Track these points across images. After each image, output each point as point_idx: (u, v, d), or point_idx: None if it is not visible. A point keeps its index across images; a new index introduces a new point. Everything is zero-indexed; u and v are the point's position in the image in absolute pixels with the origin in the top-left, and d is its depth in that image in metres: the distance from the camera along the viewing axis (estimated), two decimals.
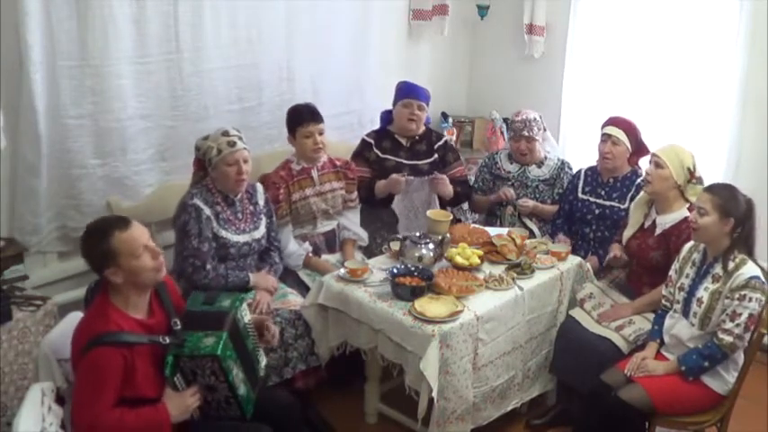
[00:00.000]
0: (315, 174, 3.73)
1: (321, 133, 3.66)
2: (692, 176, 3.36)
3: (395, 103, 4.10)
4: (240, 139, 3.27)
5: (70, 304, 3.25)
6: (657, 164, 3.36)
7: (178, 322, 2.51)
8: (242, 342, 2.59)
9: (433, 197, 3.98)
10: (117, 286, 2.42)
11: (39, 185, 3.28)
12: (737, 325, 2.89)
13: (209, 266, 3.20)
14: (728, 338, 2.90)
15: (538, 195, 4.12)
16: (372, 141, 4.10)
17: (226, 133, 3.26)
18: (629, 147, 3.78)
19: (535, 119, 4.07)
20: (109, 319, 2.37)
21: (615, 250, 3.59)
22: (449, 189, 3.98)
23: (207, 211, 3.23)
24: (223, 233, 3.27)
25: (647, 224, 3.49)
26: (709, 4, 4.30)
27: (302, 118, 3.64)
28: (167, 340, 2.43)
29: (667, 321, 3.15)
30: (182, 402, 2.42)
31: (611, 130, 3.78)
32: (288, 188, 3.65)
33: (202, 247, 3.18)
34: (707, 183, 3.30)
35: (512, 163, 4.18)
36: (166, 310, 2.55)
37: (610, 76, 4.75)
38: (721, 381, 3.01)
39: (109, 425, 2.30)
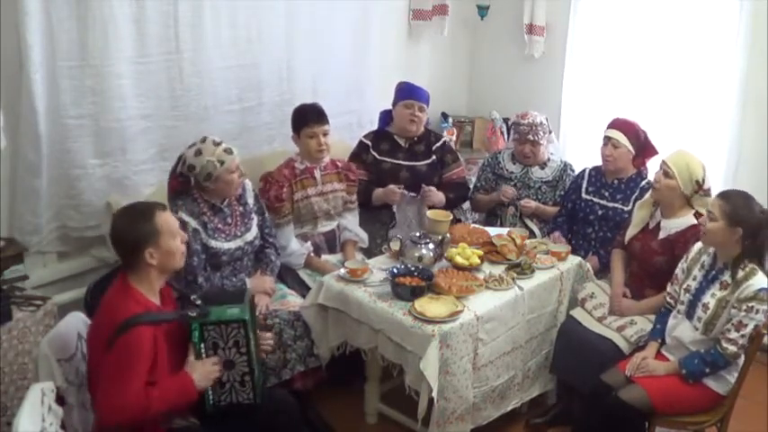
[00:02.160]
0: (318, 174, 3.73)
1: (326, 134, 3.66)
2: (699, 188, 3.32)
3: (395, 104, 4.09)
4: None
5: (70, 304, 3.25)
6: (666, 173, 3.32)
7: (197, 297, 2.57)
8: (254, 328, 2.65)
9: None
10: (140, 272, 2.48)
11: (39, 185, 3.28)
12: (742, 336, 2.88)
13: (200, 279, 3.16)
14: (732, 348, 2.89)
15: (540, 197, 4.11)
16: (370, 143, 4.09)
17: (215, 142, 3.18)
18: (631, 149, 3.75)
19: (542, 123, 4.06)
20: (138, 302, 2.46)
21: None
22: (438, 198, 3.97)
23: (193, 223, 3.16)
24: (213, 243, 3.22)
25: (651, 225, 3.47)
26: (709, 4, 4.30)
27: (307, 118, 3.64)
28: (194, 313, 2.50)
29: (670, 321, 3.14)
30: (204, 369, 2.48)
31: (611, 132, 3.76)
32: (291, 187, 3.65)
33: (192, 262, 3.11)
34: (731, 189, 3.24)
35: (515, 163, 4.18)
36: (177, 298, 2.63)
37: (610, 76, 4.75)
38: (721, 381, 3.01)
39: (138, 403, 2.33)
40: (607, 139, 3.78)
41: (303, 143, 3.67)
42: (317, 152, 3.66)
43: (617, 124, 3.79)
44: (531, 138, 4.04)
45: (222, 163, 3.15)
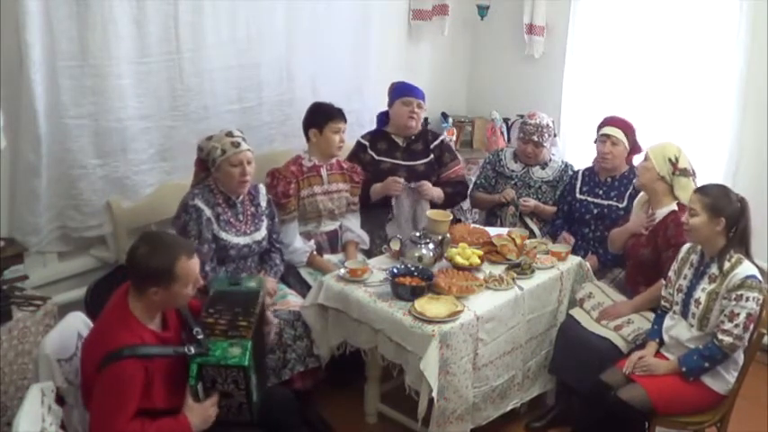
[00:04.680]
0: (324, 172, 3.75)
1: (344, 132, 3.73)
2: (675, 168, 3.37)
3: (391, 103, 4.08)
4: (244, 140, 3.28)
5: (70, 304, 3.25)
6: (645, 157, 3.44)
7: (200, 332, 2.51)
8: (260, 336, 2.61)
9: (423, 202, 3.95)
10: (142, 298, 2.42)
11: (39, 185, 3.28)
12: (736, 325, 2.89)
13: (207, 268, 3.19)
14: (728, 339, 2.90)
15: (540, 196, 4.12)
16: (367, 143, 4.08)
17: (230, 134, 3.27)
18: (628, 146, 3.82)
19: (548, 125, 4.07)
20: (132, 331, 2.39)
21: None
22: (434, 193, 3.96)
23: (207, 212, 3.23)
24: (223, 235, 3.26)
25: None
26: (709, 4, 4.30)
27: (333, 113, 3.69)
28: (192, 350, 2.44)
29: (667, 322, 3.15)
30: (203, 412, 2.44)
31: (610, 130, 3.79)
32: (298, 183, 3.67)
33: (202, 249, 3.15)
34: (707, 183, 3.29)
35: (516, 162, 4.18)
36: (182, 321, 2.57)
37: (610, 76, 4.75)
38: (721, 381, 3.01)
39: None
40: (606, 137, 3.80)
41: (326, 138, 3.69)
42: (338, 148, 3.72)
43: (614, 122, 3.83)
44: (536, 138, 4.04)
45: (224, 152, 3.20)
